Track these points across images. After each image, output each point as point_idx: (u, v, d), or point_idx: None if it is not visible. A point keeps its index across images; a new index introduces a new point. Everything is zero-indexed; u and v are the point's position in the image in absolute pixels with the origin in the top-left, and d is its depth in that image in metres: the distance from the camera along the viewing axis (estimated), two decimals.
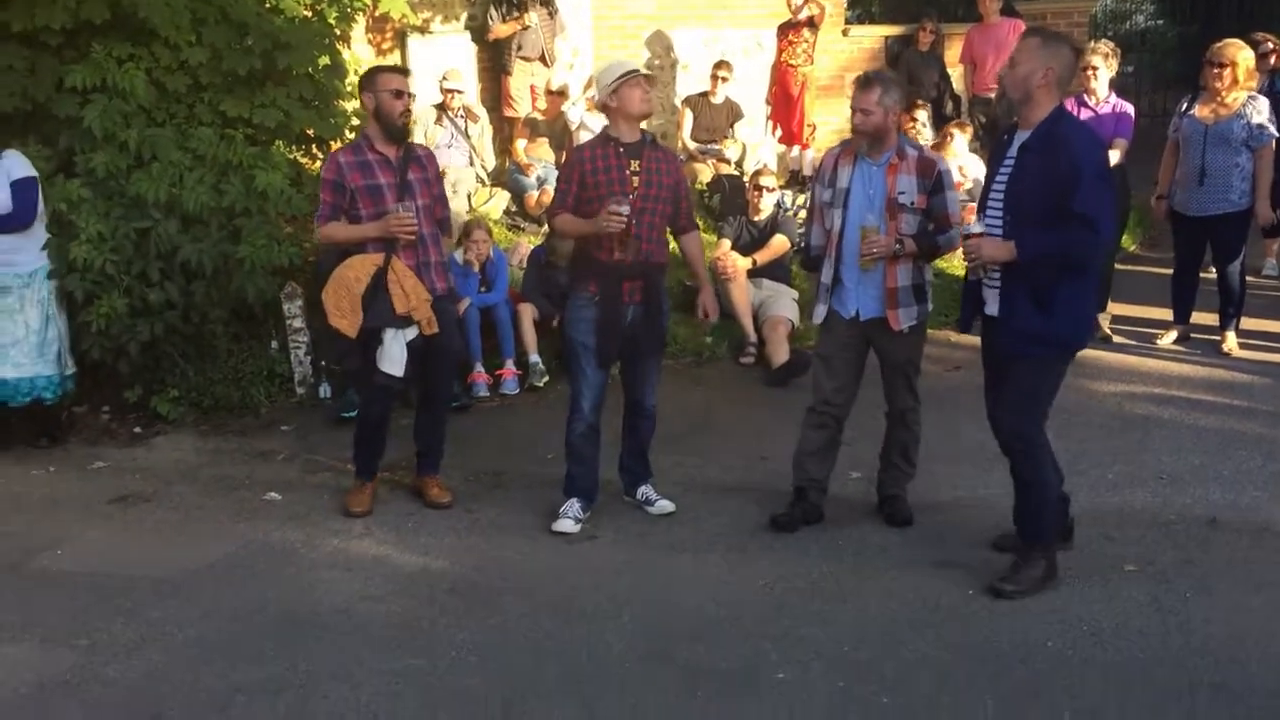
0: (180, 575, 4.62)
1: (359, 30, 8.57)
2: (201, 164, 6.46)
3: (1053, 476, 4.30)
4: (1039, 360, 4.17)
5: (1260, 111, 6.70)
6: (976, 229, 4.16)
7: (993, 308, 4.24)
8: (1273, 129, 6.73)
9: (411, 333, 4.92)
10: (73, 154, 6.45)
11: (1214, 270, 7.24)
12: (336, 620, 4.22)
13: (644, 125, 5.02)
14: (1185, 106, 7.02)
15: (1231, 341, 7.09)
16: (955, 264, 8.45)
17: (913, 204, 4.65)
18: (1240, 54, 6.71)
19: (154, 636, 4.14)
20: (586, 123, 9.03)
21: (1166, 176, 7.15)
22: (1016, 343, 4.16)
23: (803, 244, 5.31)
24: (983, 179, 10.23)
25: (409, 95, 5.02)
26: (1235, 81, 6.70)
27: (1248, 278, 7.28)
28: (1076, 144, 4.01)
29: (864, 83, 4.68)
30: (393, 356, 4.90)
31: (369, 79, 5.03)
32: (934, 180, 4.68)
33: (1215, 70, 6.73)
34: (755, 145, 10.06)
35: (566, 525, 4.93)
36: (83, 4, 6.36)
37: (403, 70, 5.24)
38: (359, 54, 8.40)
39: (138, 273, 6.25)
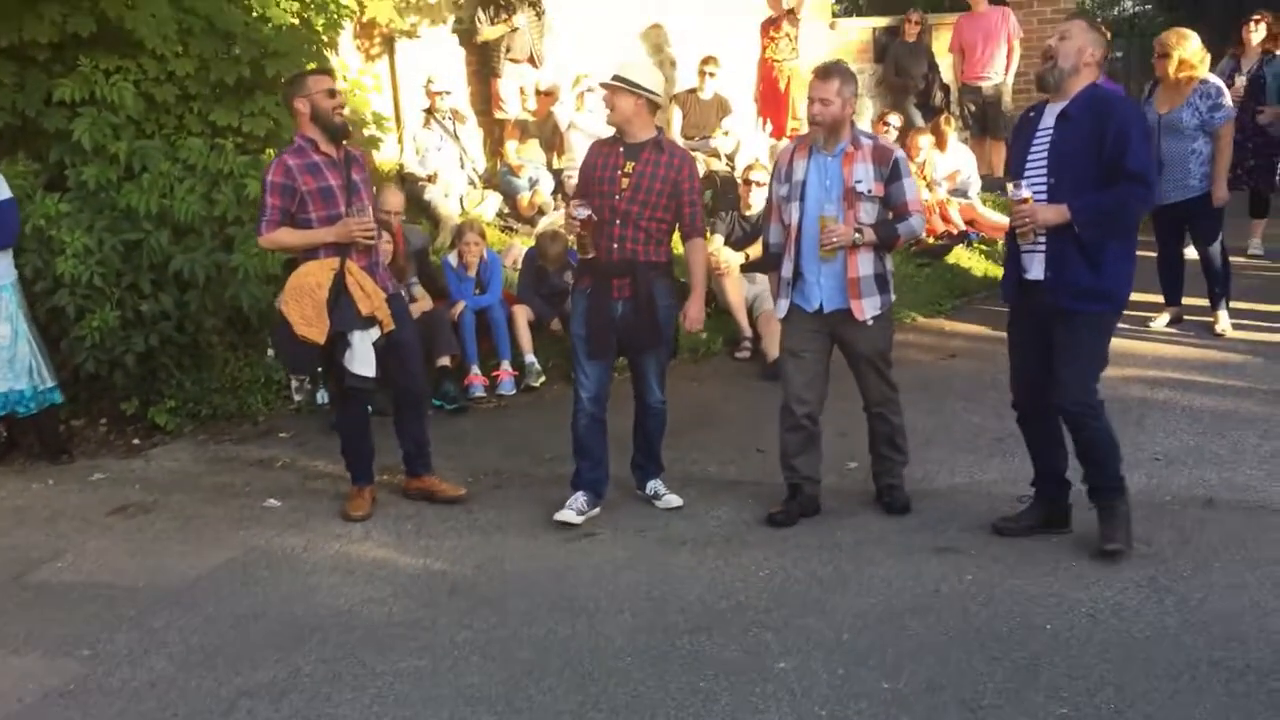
0: (181, 583, 4.64)
1: (346, 36, 8.58)
2: (192, 174, 6.47)
3: (1111, 427, 4.37)
4: (1092, 317, 4.25)
5: (1209, 95, 6.67)
6: (1025, 193, 4.21)
7: (1035, 272, 4.28)
8: (1228, 110, 6.73)
9: (375, 333, 4.94)
10: (63, 168, 6.46)
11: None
12: (338, 623, 4.24)
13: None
14: (1147, 94, 7.07)
15: (1224, 322, 7.11)
16: (963, 258, 8.47)
17: (870, 192, 4.67)
18: (1182, 43, 6.70)
19: (157, 645, 4.16)
20: (577, 123, 9.04)
21: None
22: (1067, 298, 4.22)
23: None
24: (972, 172, 10.25)
25: (339, 94, 5.00)
26: (1179, 70, 6.66)
27: (1236, 259, 7.29)
28: (1120, 109, 4.21)
29: (823, 73, 4.69)
30: (364, 358, 4.91)
31: (298, 84, 4.97)
32: (890, 167, 4.69)
33: (1159, 60, 6.80)
34: (747, 140, 10.07)
35: (568, 515, 4.93)
36: (69, 18, 6.37)
37: (328, 71, 5.22)
38: (346, 60, 8.41)
39: (128, 284, 6.25)
